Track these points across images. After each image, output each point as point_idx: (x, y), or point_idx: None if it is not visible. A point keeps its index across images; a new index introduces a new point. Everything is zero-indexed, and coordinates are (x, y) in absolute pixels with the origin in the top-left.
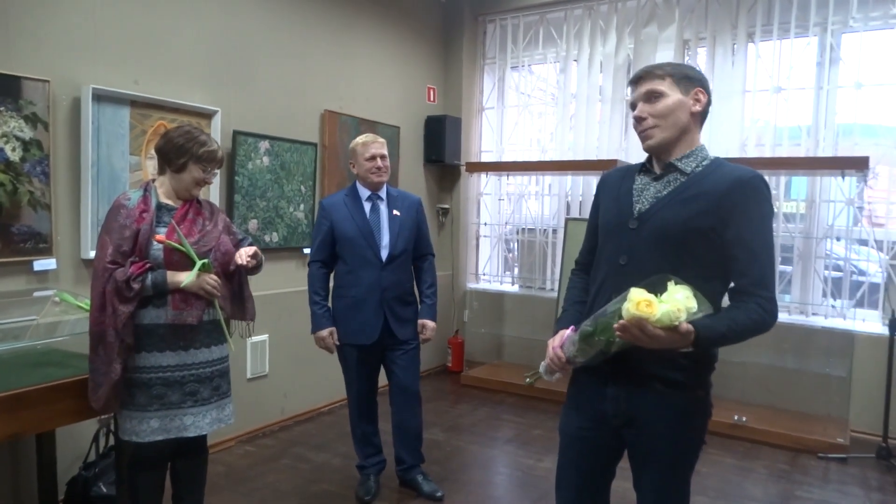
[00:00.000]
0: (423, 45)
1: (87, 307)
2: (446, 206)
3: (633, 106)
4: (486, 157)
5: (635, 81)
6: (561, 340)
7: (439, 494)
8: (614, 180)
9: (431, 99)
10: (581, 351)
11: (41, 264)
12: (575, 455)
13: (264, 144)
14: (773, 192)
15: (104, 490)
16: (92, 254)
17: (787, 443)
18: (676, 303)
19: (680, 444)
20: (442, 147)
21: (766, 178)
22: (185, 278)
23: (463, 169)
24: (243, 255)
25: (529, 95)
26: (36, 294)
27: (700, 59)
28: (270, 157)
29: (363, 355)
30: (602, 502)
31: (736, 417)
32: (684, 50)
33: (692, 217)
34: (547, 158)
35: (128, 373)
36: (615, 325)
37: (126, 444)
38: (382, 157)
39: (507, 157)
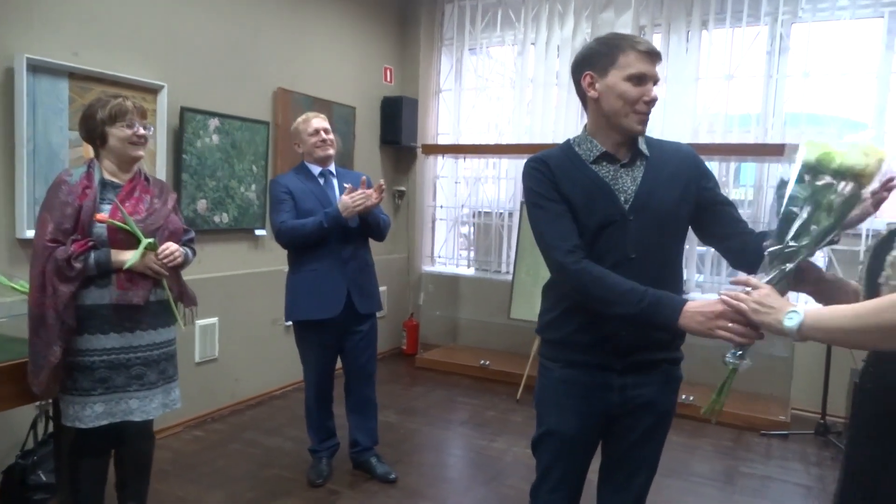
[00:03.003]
0: (381, 24)
1: (22, 289)
2: (402, 188)
3: (640, 78)
4: (442, 140)
5: (652, 55)
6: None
7: (392, 476)
8: (563, 171)
9: (388, 79)
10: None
11: None
12: (574, 455)
13: (214, 122)
14: (723, 179)
15: (43, 478)
16: (27, 234)
17: (731, 421)
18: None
19: (671, 418)
20: (398, 128)
21: (717, 164)
22: (128, 257)
23: (419, 151)
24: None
25: (487, 79)
26: None
27: (655, 45)
28: (220, 136)
29: (323, 333)
30: (579, 497)
31: (683, 397)
32: (640, 35)
33: (682, 197)
34: (504, 142)
35: (70, 356)
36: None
37: (67, 430)
38: (325, 129)
39: (464, 140)
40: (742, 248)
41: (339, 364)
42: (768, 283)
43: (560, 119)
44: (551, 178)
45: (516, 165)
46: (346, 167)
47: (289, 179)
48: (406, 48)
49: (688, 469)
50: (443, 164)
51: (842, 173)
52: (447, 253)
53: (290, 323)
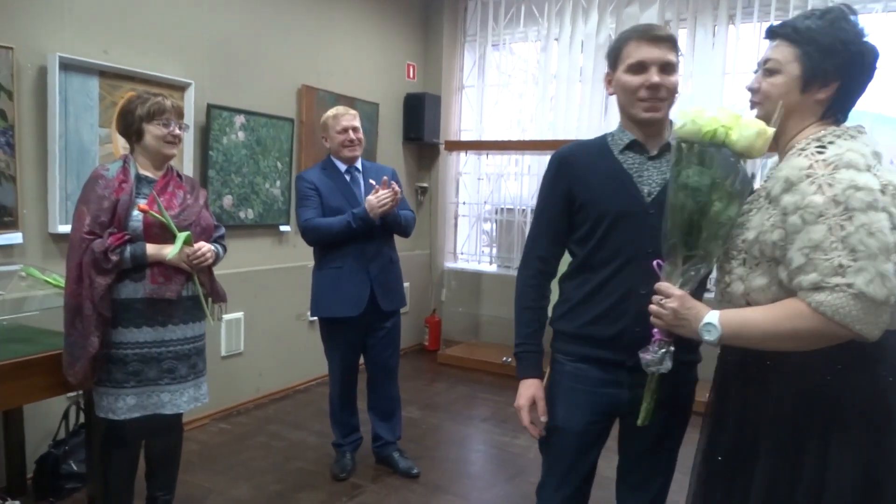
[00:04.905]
0: (404, 21)
1: (55, 282)
2: (425, 184)
3: (640, 66)
4: (465, 136)
5: (657, 39)
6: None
7: (415, 471)
8: (587, 161)
9: (411, 76)
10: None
11: (6, 238)
12: (579, 452)
13: (240, 119)
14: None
15: (74, 468)
16: (60, 228)
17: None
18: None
19: (687, 419)
20: (421, 125)
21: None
22: (168, 251)
23: (442, 147)
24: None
25: (510, 75)
26: (1, 269)
27: (681, 41)
28: (246, 132)
29: (347, 330)
30: (588, 496)
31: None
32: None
33: None
34: (526, 138)
35: (104, 348)
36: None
37: (99, 420)
38: (355, 129)
39: (487, 137)
40: None
41: (362, 360)
42: (681, 286)
43: (584, 115)
44: (564, 177)
45: (539, 162)
46: (370, 161)
47: (315, 175)
48: (429, 45)
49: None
50: (465, 160)
51: (736, 151)
52: (469, 249)
53: (314, 318)
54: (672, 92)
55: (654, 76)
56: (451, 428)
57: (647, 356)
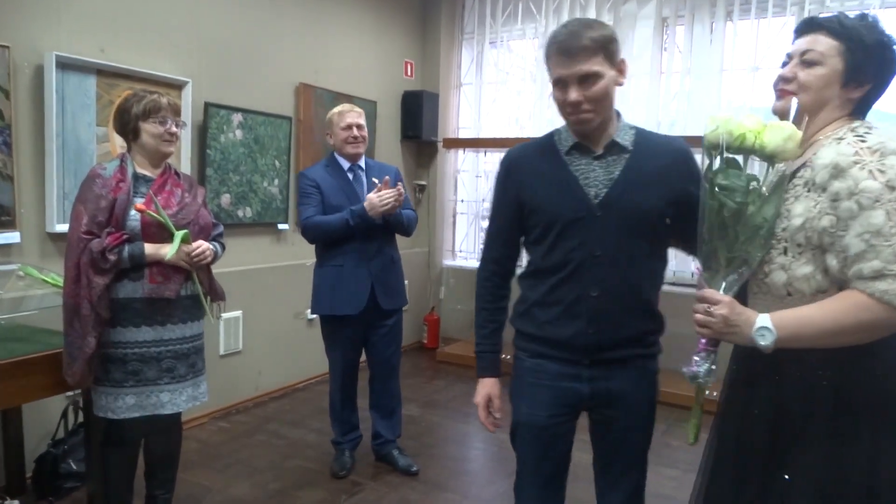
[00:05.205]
0: (401, 19)
1: (53, 281)
2: (423, 182)
3: (558, 82)
4: (463, 134)
5: (568, 52)
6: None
7: (414, 469)
8: (534, 165)
9: (409, 73)
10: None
11: (4, 237)
12: (545, 445)
13: (237, 117)
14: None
15: (74, 467)
16: (58, 227)
17: None
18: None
19: (652, 412)
20: (419, 123)
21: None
22: (167, 251)
23: (440, 145)
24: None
25: (508, 72)
26: None
27: (678, 38)
28: (244, 131)
29: (348, 328)
30: (563, 489)
31: (716, 394)
32: (663, 28)
33: (663, 196)
34: (525, 136)
35: (103, 348)
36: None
37: (98, 420)
38: (359, 126)
39: (485, 134)
40: None
41: (363, 357)
42: (724, 292)
43: None
44: (513, 184)
45: None
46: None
47: (317, 173)
48: (427, 42)
49: None
50: (464, 158)
51: (766, 155)
52: (468, 247)
53: (313, 316)
54: (599, 100)
55: (571, 94)
56: (449, 425)
57: (693, 369)
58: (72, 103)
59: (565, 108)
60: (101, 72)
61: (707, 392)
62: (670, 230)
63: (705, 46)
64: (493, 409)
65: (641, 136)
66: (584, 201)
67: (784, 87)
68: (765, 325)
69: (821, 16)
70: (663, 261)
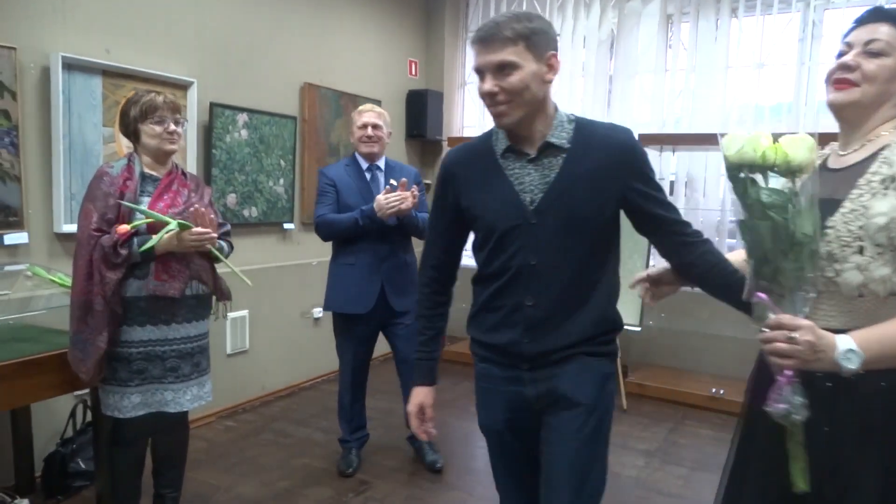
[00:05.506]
0: (405, 18)
1: (61, 281)
2: (428, 181)
3: (477, 72)
4: (468, 133)
5: (483, 41)
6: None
7: (439, 465)
8: (471, 170)
9: (413, 73)
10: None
11: (12, 238)
12: (508, 447)
13: (242, 117)
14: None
15: (82, 466)
16: (65, 227)
17: None
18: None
19: (602, 411)
20: (424, 122)
21: None
22: (171, 231)
23: (445, 144)
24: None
25: None
26: (7, 268)
27: (683, 35)
28: (249, 131)
29: (359, 326)
30: (536, 478)
31: (714, 390)
32: (668, 24)
33: (601, 197)
34: None
35: (110, 346)
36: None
37: (106, 419)
38: (374, 126)
39: None
40: (684, 267)
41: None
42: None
43: (587, 110)
44: (451, 189)
45: None
46: None
47: (335, 171)
48: (431, 41)
49: (719, 463)
50: None
51: (791, 169)
52: (472, 246)
53: (319, 315)
54: (516, 93)
55: (486, 83)
56: (456, 424)
57: (780, 406)
58: (78, 104)
59: (484, 99)
60: (107, 72)
61: (715, 390)
62: (638, 230)
63: (710, 43)
64: (425, 419)
65: (581, 131)
66: (519, 209)
67: (845, 75)
68: (850, 347)
69: (886, 6)
70: (612, 262)
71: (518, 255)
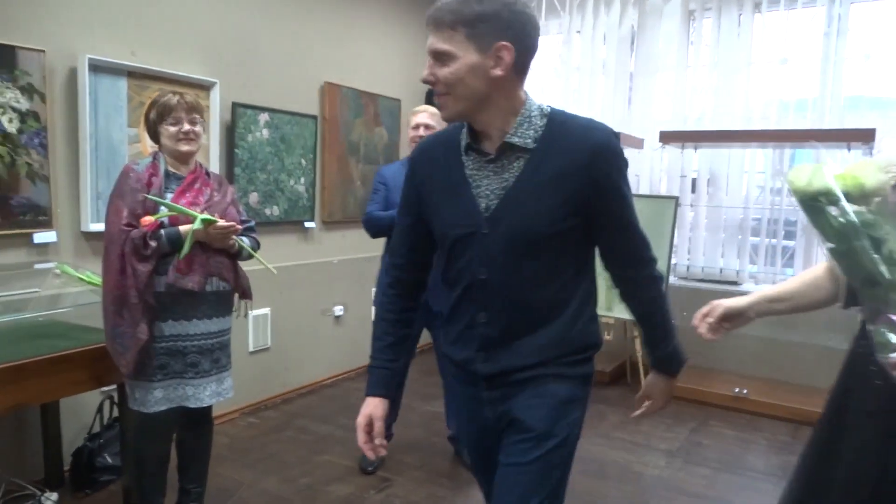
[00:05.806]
0: (425, 16)
1: (89, 279)
2: None
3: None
4: None
5: (433, 23)
6: None
7: None
8: (435, 166)
9: None
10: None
11: (41, 237)
12: (485, 457)
13: (264, 117)
14: (778, 166)
15: (109, 460)
16: (92, 226)
17: (787, 415)
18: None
19: (558, 440)
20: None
21: (771, 151)
22: (195, 224)
23: None
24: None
25: (532, 68)
26: (36, 266)
27: (705, 31)
28: (270, 130)
29: None
30: None
31: (736, 390)
32: (689, 21)
33: (557, 210)
34: None
35: (150, 337)
36: None
37: (132, 414)
38: (426, 126)
39: None
40: (625, 296)
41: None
42: None
43: (607, 107)
44: (414, 186)
45: None
46: (392, 160)
47: (389, 170)
48: None
49: (743, 463)
50: None
51: (865, 194)
52: None
53: (340, 313)
54: (451, 84)
55: (425, 69)
56: None
57: None
58: (104, 105)
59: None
60: (132, 74)
61: (738, 390)
62: (588, 241)
63: (733, 39)
64: (374, 433)
65: (553, 128)
66: (473, 215)
67: None
68: None
69: None
70: (580, 277)
71: (469, 266)
